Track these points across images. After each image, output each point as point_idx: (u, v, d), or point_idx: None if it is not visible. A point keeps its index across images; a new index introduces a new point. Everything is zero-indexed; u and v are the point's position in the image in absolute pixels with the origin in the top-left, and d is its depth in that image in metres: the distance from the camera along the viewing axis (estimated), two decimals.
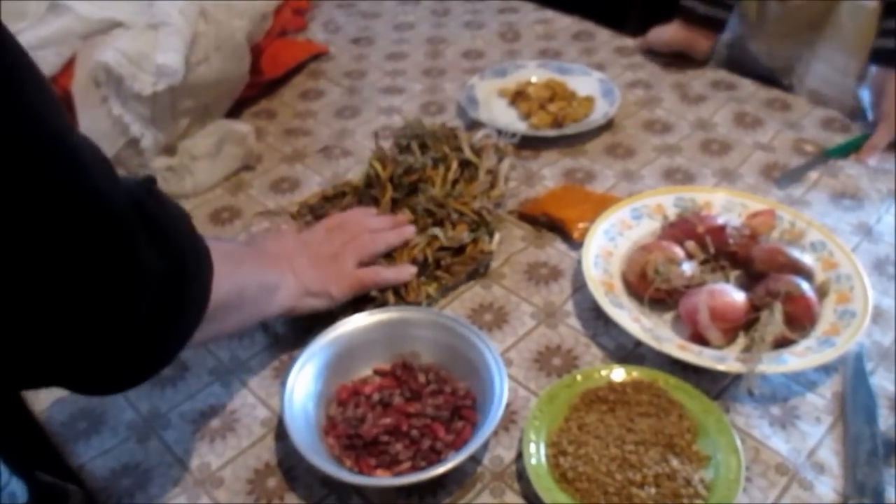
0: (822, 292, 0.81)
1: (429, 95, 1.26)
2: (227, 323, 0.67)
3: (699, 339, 0.78)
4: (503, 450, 0.71)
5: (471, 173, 0.94)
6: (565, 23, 1.48)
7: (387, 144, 0.99)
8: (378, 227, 0.85)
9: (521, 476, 0.69)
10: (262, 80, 1.24)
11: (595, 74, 1.24)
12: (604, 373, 0.74)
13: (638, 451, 0.67)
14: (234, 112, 1.17)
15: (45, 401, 0.78)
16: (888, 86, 1.08)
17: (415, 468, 0.67)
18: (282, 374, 0.79)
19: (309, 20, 1.51)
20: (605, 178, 1.06)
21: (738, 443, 0.67)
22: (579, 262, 0.87)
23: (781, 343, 0.77)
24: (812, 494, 0.67)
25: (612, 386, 0.73)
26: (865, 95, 1.15)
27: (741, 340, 0.80)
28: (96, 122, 0.95)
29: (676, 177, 1.06)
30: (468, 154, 0.96)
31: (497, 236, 0.91)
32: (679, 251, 0.84)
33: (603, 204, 0.94)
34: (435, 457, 0.68)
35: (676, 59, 1.32)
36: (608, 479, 0.65)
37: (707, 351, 0.76)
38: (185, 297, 0.56)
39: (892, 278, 0.88)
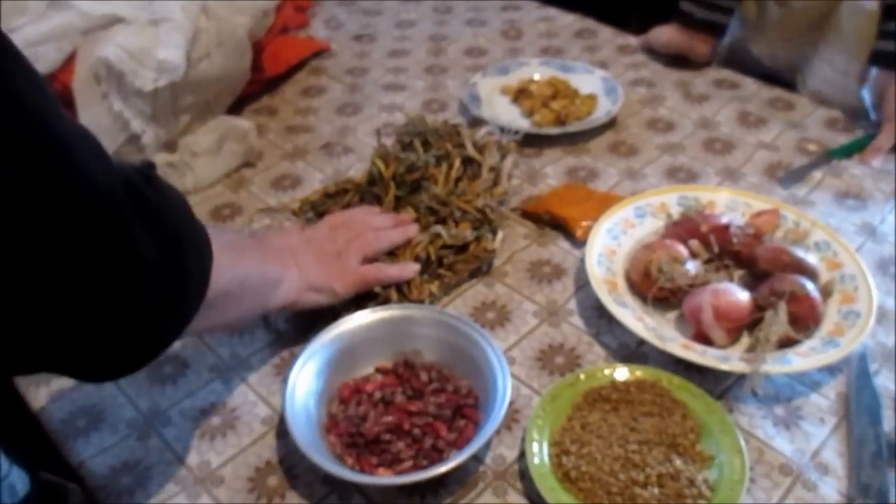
0: (826, 292, 0.81)
1: (431, 93, 1.26)
2: (227, 313, 0.67)
3: (703, 338, 0.78)
4: (505, 449, 0.71)
5: (473, 171, 0.94)
6: (567, 20, 1.47)
7: (389, 142, 0.99)
8: (382, 226, 0.85)
9: (524, 475, 0.68)
10: (264, 76, 1.24)
11: (598, 72, 1.24)
12: (607, 372, 0.74)
13: (641, 450, 0.67)
14: (236, 109, 1.17)
15: (44, 398, 0.77)
16: (890, 88, 1.08)
17: (416, 467, 0.67)
18: (283, 372, 0.79)
19: (310, 17, 1.50)
20: (608, 176, 1.05)
21: (742, 443, 0.67)
22: (582, 261, 0.87)
23: (785, 343, 0.76)
24: (816, 495, 0.67)
25: (615, 385, 0.73)
26: (867, 97, 1.15)
27: (745, 340, 0.79)
28: (97, 119, 0.95)
29: (679, 175, 1.05)
30: (471, 151, 0.95)
31: (500, 234, 0.90)
32: (683, 250, 0.83)
33: (606, 202, 0.93)
34: (437, 455, 0.68)
35: (679, 58, 1.31)
36: (611, 479, 0.65)
37: (711, 350, 0.76)
38: (183, 282, 0.55)
39: (895, 279, 0.88)
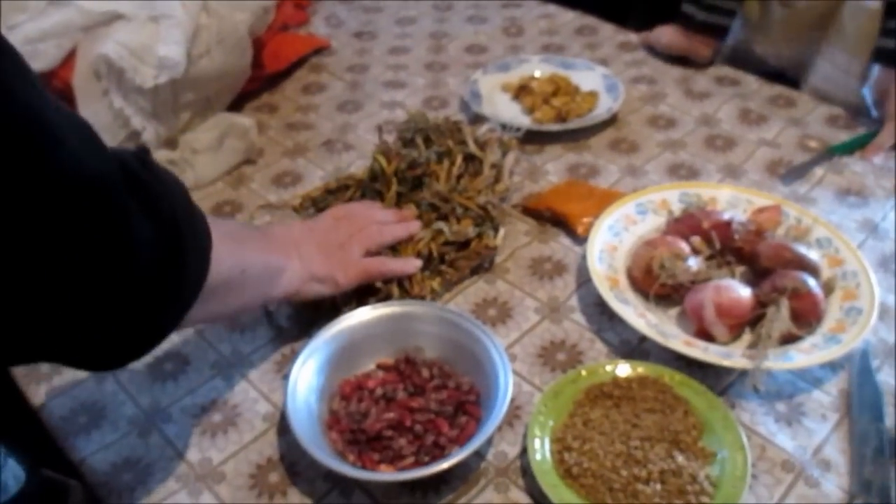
0: (828, 289, 0.81)
1: (431, 90, 1.25)
2: (229, 302, 0.66)
3: (704, 335, 0.78)
4: (507, 445, 0.71)
5: (475, 168, 0.94)
6: (568, 18, 1.47)
7: (390, 138, 0.99)
8: (385, 220, 0.85)
9: (526, 472, 0.68)
10: (264, 73, 1.24)
11: (598, 69, 1.23)
12: (609, 368, 0.74)
13: (643, 447, 0.66)
14: (236, 106, 1.17)
15: (44, 395, 0.77)
16: (892, 86, 1.08)
17: (418, 463, 0.67)
18: (284, 369, 0.79)
19: (311, 14, 1.50)
20: (609, 173, 1.05)
21: (744, 440, 0.67)
22: (583, 258, 0.87)
23: (787, 339, 0.76)
24: (818, 492, 0.67)
25: (617, 381, 0.73)
26: (868, 95, 1.15)
27: (746, 337, 0.79)
28: (97, 115, 0.95)
29: (681, 172, 1.05)
30: (472, 148, 0.95)
31: (501, 231, 0.90)
32: (684, 246, 0.83)
33: (607, 199, 0.93)
34: (438, 452, 0.68)
35: (680, 56, 1.31)
36: (613, 475, 0.64)
37: (713, 347, 0.76)
38: (182, 266, 0.55)
39: None
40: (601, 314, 0.83)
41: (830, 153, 1.07)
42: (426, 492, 0.67)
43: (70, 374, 0.79)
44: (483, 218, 0.88)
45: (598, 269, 0.82)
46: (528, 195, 1.00)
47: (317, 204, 0.94)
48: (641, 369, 0.74)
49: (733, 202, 0.92)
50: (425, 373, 0.74)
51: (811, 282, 0.78)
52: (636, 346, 0.80)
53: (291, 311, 0.84)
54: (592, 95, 1.18)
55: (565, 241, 0.94)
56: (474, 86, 1.19)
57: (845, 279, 0.82)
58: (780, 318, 0.75)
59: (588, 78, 1.22)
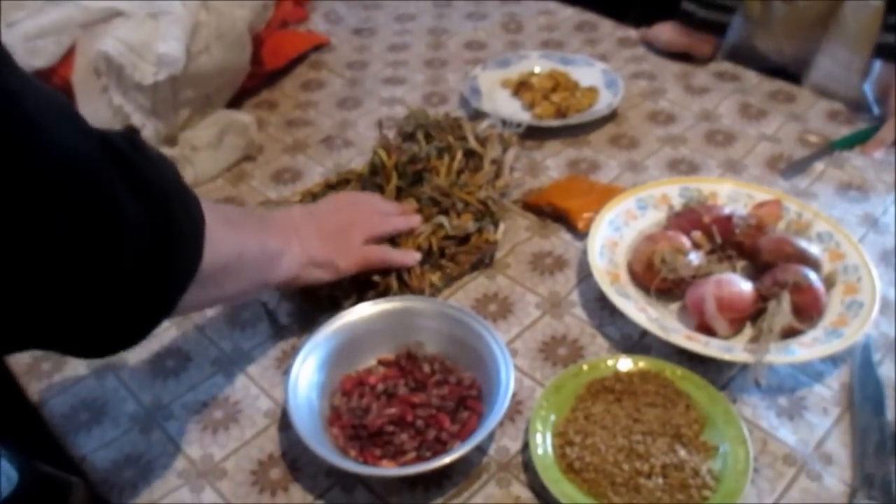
0: (829, 283, 0.81)
1: (431, 86, 1.25)
2: (226, 287, 0.65)
3: (706, 329, 0.78)
4: (509, 440, 0.71)
5: (475, 163, 0.94)
6: (567, 14, 1.47)
7: (391, 134, 0.99)
8: (387, 211, 0.84)
9: (528, 467, 0.68)
10: (264, 70, 1.23)
11: (598, 65, 1.23)
12: (610, 363, 0.74)
13: (645, 441, 0.66)
14: (236, 103, 1.17)
15: (45, 392, 0.77)
16: (892, 81, 1.08)
17: (420, 459, 0.67)
18: (284, 365, 0.78)
19: (310, 11, 1.50)
20: (610, 168, 1.05)
21: (746, 433, 0.67)
22: (584, 253, 0.86)
23: (789, 333, 0.76)
24: (820, 486, 0.67)
25: (618, 376, 0.73)
26: (869, 91, 1.15)
27: (748, 331, 0.79)
28: (97, 113, 0.94)
29: (681, 167, 1.05)
30: (473, 144, 0.95)
31: (502, 226, 0.90)
32: (685, 241, 0.83)
33: (607, 194, 0.93)
34: (440, 447, 0.68)
35: (679, 53, 1.31)
36: (615, 470, 0.64)
37: (714, 341, 0.76)
38: (174, 247, 0.53)
39: None
40: (602, 309, 0.83)
41: (831, 148, 1.07)
42: (428, 487, 0.67)
43: (71, 372, 0.79)
44: (483, 213, 0.88)
45: (599, 264, 0.82)
46: (528, 191, 1.00)
47: (317, 199, 0.94)
48: (643, 364, 0.74)
49: (734, 197, 0.92)
50: (426, 368, 0.74)
51: (812, 276, 0.78)
52: (637, 341, 0.80)
53: (292, 308, 0.84)
54: (592, 91, 1.17)
55: (566, 236, 0.94)
56: (474, 82, 1.19)
57: (846, 273, 0.82)
58: (781, 312, 0.75)
59: (588, 74, 1.22)
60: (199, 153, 1.04)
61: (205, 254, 0.57)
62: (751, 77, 1.25)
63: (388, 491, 0.67)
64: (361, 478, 0.68)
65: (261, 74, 1.23)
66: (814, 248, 0.83)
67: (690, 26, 1.26)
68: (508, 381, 0.69)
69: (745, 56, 1.32)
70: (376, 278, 0.80)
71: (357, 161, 1.07)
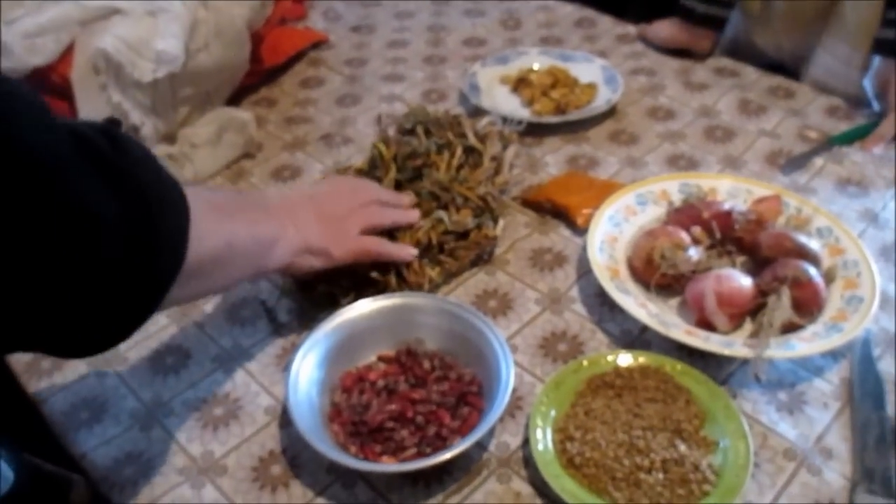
0: (828, 278, 0.81)
1: (430, 83, 1.25)
2: (216, 279, 0.64)
3: (705, 324, 0.78)
4: (509, 436, 0.71)
5: (475, 160, 0.94)
6: (566, 10, 1.47)
7: (391, 131, 0.99)
8: (387, 200, 0.83)
9: (528, 462, 0.68)
10: (263, 68, 1.23)
11: (597, 61, 1.23)
12: (610, 358, 0.74)
13: (645, 436, 0.66)
14: (234, 100, 1.17)
15: (45, 390, 0.77)
16: (892, 77, 1.08)
17: (420, 455, 0.67)
18: (285, 362, 0.78)
19: (309, 9, 1.50)
20: (609, 164, 1.05)
21: (747, 428, 0.67)
22: (584, 249, 0.86)
23: (788, 329, 0.76)
24: (820, 480, 0.67)
25: (618, 371, 0.73)
26: (868, 86, 1.15)
27: (748, 326, 0.79)
28: (96, 110, 0.94)
29: (680, 163, 1.05)
30: (472, 141, 0.95)
31: (501, 222, 0.90)
32: (685, 237, 0.83)
33: (607, 190, 0.93)
34: (441, 443, 0.68)
35: (678, 49, 1.31)
36: (616, 465, 0.64)
37: (714, 336, 0.76)
38: (154, 243, 0.52)
39: None
40: (602, 305, 0.83)
41: (830, 143, 1.07)
42: (429, 483, 0.67)
43: (71, 370, 0.79)
44: (483, 209, 0.88)
45: (599, 260, 0.82)
46: (527, 187, 1.00)
47: None
48: (643, 359, 0.74)
49: (733, 192, 0.92)
50: (427, 364, 0.74)
51: (812, 271, 0.78)
52: (637, 337, 0.80)
53: (292, 305, 0.84)
54: (591, 87, 1.17)
55: (565, 232, 0.94)
56: (473, 79, 1.19)
57: (846, 268, 0.82)
58: (781, 307, 0.75)
59: (587, 70, 1.21)
60: (199, 151, 1.04)
61: (191, 247, 0.56)
62: (750, 73, 1.25)
63: (389, 487, 0.67)
64: (362, 474, 0.68)
65: (260, 72, 1.23)
66: (813, 244, 0.83)
67: (690, 21, 1.26)
68: (508, 377, 0.69)
69: (744, 52, 1.32)
70: (374, 275, 0.80)
71: (356, 158, 1.06)
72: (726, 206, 0.87)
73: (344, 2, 1.52)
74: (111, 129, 0.52)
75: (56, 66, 0.95)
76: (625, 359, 0.74)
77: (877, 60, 1.11)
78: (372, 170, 0.91)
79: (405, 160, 0.90)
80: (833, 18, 1.20)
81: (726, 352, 0.73)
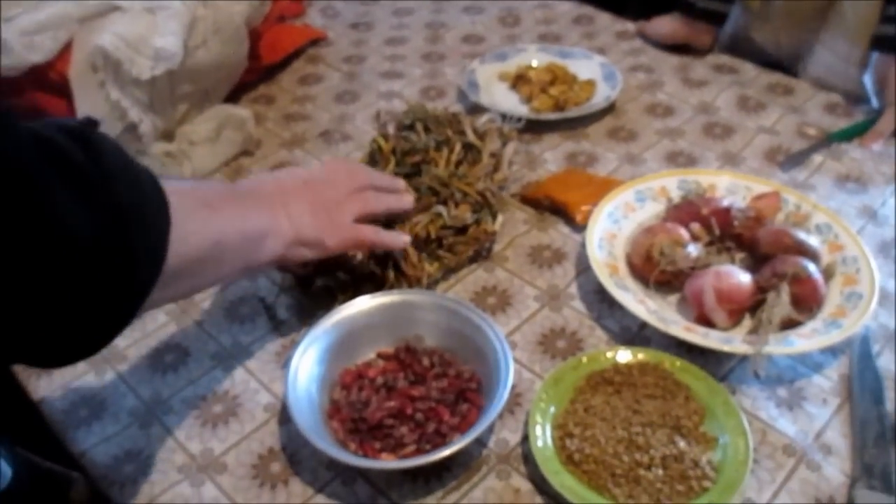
0: (828, 274, 0.81)
1: (429, 80, 1.25)
2: (202, 278, 0.63)
3: (705, 321, 0.78)
4: (509, 433, 0.71)
5: (474, 156, 0.93)
6: (565, 7, 1.47)
7: (390, 128, 0.98)
8: (382, 185, 0.81)
9: (527, 459, 0.68)
10: (261, 65, 1.23)
11: (596, 58, 1.23)
12: (609, 355, 0.74)
13: (645, 432, 0.66)
14: (233, 97, 1.16)
15: (45, 388, 0.77)
16: (891, 73, 1.08)
17: (420, 451, 0.67)
18: (284, 359, 0.78)
19: (307, 6, 1.49)
20: (608, 161, 1.05)
21: (746, 425, 0.67)
22: (583, 245, 0.86)
23: (788, 325, 0.76)
24: (820, 476, 0.67)
25: (617, 368, 0.73)
26: (868, 83, 1.15)
27: (747, 323, 0.79)
28: (94, 108, 0.94)
29: (679, 160, 1.05)
30: (471, 137, 0.95)
31: (500, 218, 0.90)
32: (684, 233, 0.83)
33: (606, 187, 0.93)
34: (440, 440, 0.68)
35: (677, 45, 1.30)
36: (615, 461, 0.65)
37: (713, 333, 0.76)
38: (130, 249, 0.50)
39: None
40: (601, 301, 0.83)
41: (829, 140, 1.07)
42: (428, 479, 0.67)
43: (70, 368, 0.79)
44: (481, 204, 0.88)
45: (598, 257, 0.82)
46: (526, 184, 1.00)
47: None
48: (642, 355, 0.74)
49: (732, 189, 0.92)
50: (426, 361, 0.74)
51: (811, 267, 0.78)
52: (636, 333, 0.80)
53: (291, 302, 0.84)
54: (590, 84, 1.17)
55: (564, 229, 0.94)
56: (472, 75, 1.19)
57: (845, 265, 0.82)
58: (780, 303, 0.75)
59: (586, 67, 1.21)
60: (197, 148, 1.04)
61: (173, 250, 0.54)
62: (749, 70, 1.25)
63: (389, 484, 0.67)
64: (361, 471, 0.68)
65: (258, 69, 1.23)
66: (812, 240, 0.83)
67: (690, 16, 1.26)
68: (508, 373, 0.69)
69: (743, 49, 1.32)
70: (373, 267, 0.80)
71: (355, 155, 1.07)
72: (725, 203, 0.87)
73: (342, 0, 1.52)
74: (85, 131, 0.50)
75: (54, 63, 0.94)
76: (624, 355, 0.74)
77: (875, 57, 1.11)
78: (371, 164, 0.91)
79: (404, 156, 0.90)
80: (832, 15, 1.19)
81: (725, 348, 0.73)
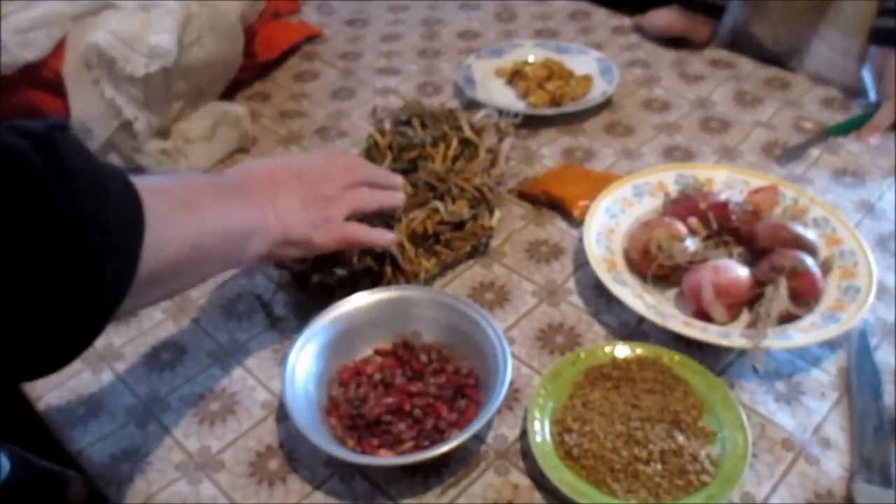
0: (825, 268, 0.81)
1: (425, 76, 1.25)
2: (180, 281, 0.61)
3: (703, 315, 0.77)
4: (507, 428, 0.71)
5: (471, 152, 0.93)
6: (561, 3, 1.46)
7: (386, 124, 0.98)
8: (379, 181, 0.78)
9: (526, 454, 0.68)
10: (256, 62, 1.23)
11: (593, 53, 1.23)
12: (607, 350, 0.74)
13: (643, 427, 0.66)
14: (228, 95, 1.16)
15: (41, 387, 0.77)
16: (889, 66, 1.07)
17: (418, 448, 0.67)
18: (281, 356, 0.78)
19: (302, 2, 1.49)
20: (605, 156, 1.05)
21: (745, 419, 0.67)
22: (580, 240, 0.86)
23: (786, 319, 0.76)
24: (818, 470, 0.67)
25: (616, 363, 0.73)
26: (867, 76, 1.15)
27: (745, 317, 0.79)
28: (89, 106, 0.94)
29: (676, 155, 1.05)
30: (468, 133, 0.94)
31: (497, 213, 0.90)
32: (682, 228, 0.83)
33: (603, 182, 0.93)
34: (438, 436, 0.67)
35: (675, 38, 1.30)
36: (614, 456, 0.64)
37: (711, 327, 0.76)
38: (95, 263, 0.48)
39: (894, 254, 0.88)
40: (599, 296, 0.83)
41: (826, 134, 1.07)
42: (427, 476, 0.67)
43: (66, 367, 0.78)
44: (479, 200, 0.88)
45: (596, 252, 0.82)
46: (523, 180, 1.00)
47: None
48: (640, 350, 0.73)
49: (729, 183, 0.92)
50: (424, 357, 0.74)
51: (809, 261, 0.78)
52: (634, 328, 0.80)
53: (288, 299, 0.84)
54: (587, 79, 1.17)
55: (561, 224, 0.93)
56: (468, 71, 1.19)
57: (843, 258, 0.82)
58: (778, 297, 0.75)
59: (582, 62, 1.21)
60: (193, 145, 1.03)
61: (148, 256, 0.52)
62: (745, 64, 1.25)
63: (387, 480, 0.67)
64: (360, 468, 0.68)
65: (254, 66, 1.22)
66: (810, 234, 0.83)
67: (689, 9, 1.26)
68: (506, 369, 0.68)
69: (743, 43, 1.32)
70: (369, 262, 0.79)
71: (351, 152, 1.06)
72: (723, 197, 0.86)
73: None
74: (49, 135, 0.48)
75: (48, 61, 0.94)
76: (622, 350, 0.74)
77: (873, 50, 1.11)
78: (368, 160, 0.91)
79: (401, 151, 0.90)
80: (830, 8, 1.19)
81: (724, 342, 0.73)
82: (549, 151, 1.06)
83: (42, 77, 0.94)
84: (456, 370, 0.73)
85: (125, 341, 0.81)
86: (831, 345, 0.77)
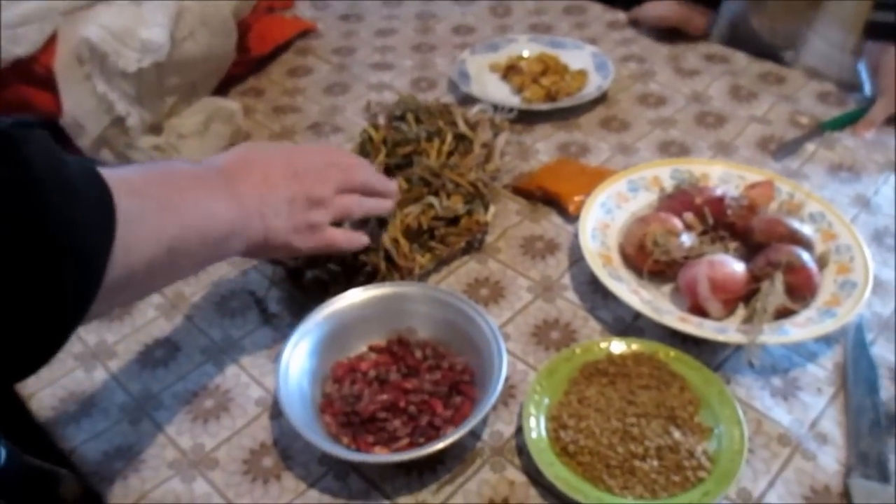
0: (821, 263, 0.80)
1: (419, 71, 1.24)
2: (154, 283, 0.60)
3: (699, 310, 0.77)
4: (503, 425, 0.70)
5: (465, 147, 0.93)
6: None
7: (380, 119, 0.98)
8: (374, 188, 0.77)
9: (522, 451, 0.68)
10: (250, 57, 1.22)
11: (588, 48, 1.22)
12: (603, 346, 0.73)
13: (640, 423, 0.66)
14: (221, 90, 1.15)
15: (34, 385, 0.76)
16: (884, 60, 1.07)
17: (413, 445, 0.66)
18: (275, 353, 0.77)
19: None
20: (600, 151, 1.05)
21: (741, 414, 0.67)
22: (576, 236, 0.86)
23: (782, 314, 0.76)
24: (815, 465, 0.67)
25: (611, 359, 0.72)
26: (863, 71, 1.14)
27: (741, 312, 0.79)
28: (81, 101, 0.93)
29: (671, 150, 1.05)
30: (463, 128, 0.94)
31: (492, 209, 0.89)
32: (678, 223, 0.83)
33: (598, 177, 0.92)
34: (434, 433, 0.67)
35: (670, 32, 1.30)
36: (610, 452, 0.64)
37: (707, 322, 0.75)
38: (58, 269, 0.46)
39: (891, 249, 0.87)
40: (594, 292, 0.83)
41: (821, 129, 1.07)
42: (422, 472, 0.67)
43: (58, 364, 0.78)
44: (473, 195, 0.87)
45: (591, 247, 0.82)
46: (518, 175, 0.99)
47: None
48: (636, 346, 0.73)
49: (725, 178, 0.92)
50: (418, 354, 0.74)
51: (805, 256, 0.78)
52: (630, 324, 0.79)
53: (282, 296, 0.84)
54: (582, 74, 1.17)
55: (557, 219, 0.93)
56: (462, 66, 1.18)
57: (839, 253, 0.82)
58: (774, 292, 0.75)
59: (577, 57, 1.21)
60: (186, 141, 1.03)
61: (118, 259, 0.50)
62: (741, 59, 1.24)
63: (382, 477, 0.67)
64: (354, 465, 0.67)
65: (247, 61, 1.22)
66: (806, 229, 0.82)
67: None
68: (501, 365, 0.68)
69: (742, 38, 1.31)
70: (363, 258, 0.79)
71: (346, 147, 1.06)
72: (718, 192, 0.86)
73: None
74: (12, 135, 0.46)
75: (39, 56, 0.93)
76: (618, 346, 0.73)
77: (868, 44, 1.10)
78: (362, 154, 0.90)
79: (395, 147, 0.90)
80: (826, 2, 1.19)
81: (720, 338, 0.73)
82: (544, 146, 1.06)
83: (33, 72, 0.94)
84: (451, 367, 0.72)
85: (118, 338, 0.80)
86: (827, 340, 0.77)
